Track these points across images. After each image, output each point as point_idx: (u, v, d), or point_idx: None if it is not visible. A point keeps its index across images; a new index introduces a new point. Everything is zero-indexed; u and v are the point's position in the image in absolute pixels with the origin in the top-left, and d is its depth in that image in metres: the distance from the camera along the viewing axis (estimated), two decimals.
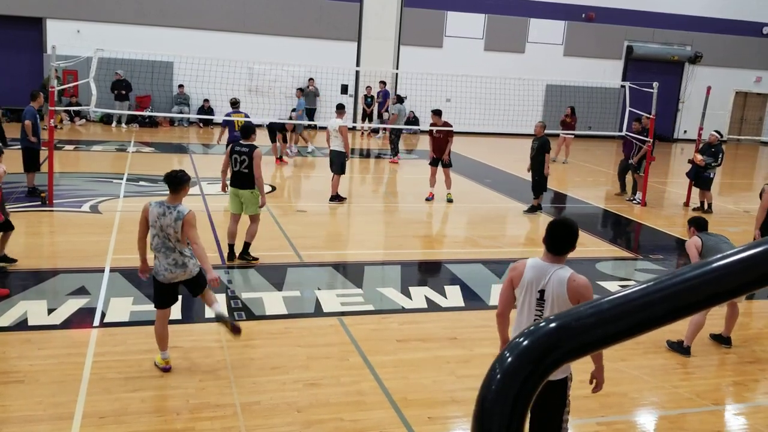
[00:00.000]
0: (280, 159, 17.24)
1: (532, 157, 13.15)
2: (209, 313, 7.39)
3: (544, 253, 4.37)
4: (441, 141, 13.57)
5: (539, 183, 13.14)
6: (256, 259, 9.19)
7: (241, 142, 9.06)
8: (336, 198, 13.18)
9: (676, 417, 5.89)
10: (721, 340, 7.51)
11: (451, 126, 13.66)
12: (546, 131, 13.26)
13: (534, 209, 13.27)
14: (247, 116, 14.55)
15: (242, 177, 8.92)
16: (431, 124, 13.75)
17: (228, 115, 14.60)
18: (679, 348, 7.10)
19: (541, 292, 4.27)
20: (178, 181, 6.01)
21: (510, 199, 14.49)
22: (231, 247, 9.16)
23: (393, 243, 11.10)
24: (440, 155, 13.61)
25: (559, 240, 4.31)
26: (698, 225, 7.19)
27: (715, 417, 6.02)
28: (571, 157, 21.13)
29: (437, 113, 13.51)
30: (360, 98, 24.56)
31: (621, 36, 28.15)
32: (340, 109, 13.46)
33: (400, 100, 21.19)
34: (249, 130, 9.09)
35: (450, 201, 13.68)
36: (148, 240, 6.10)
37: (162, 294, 6.07)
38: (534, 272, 4.30)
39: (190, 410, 5.43)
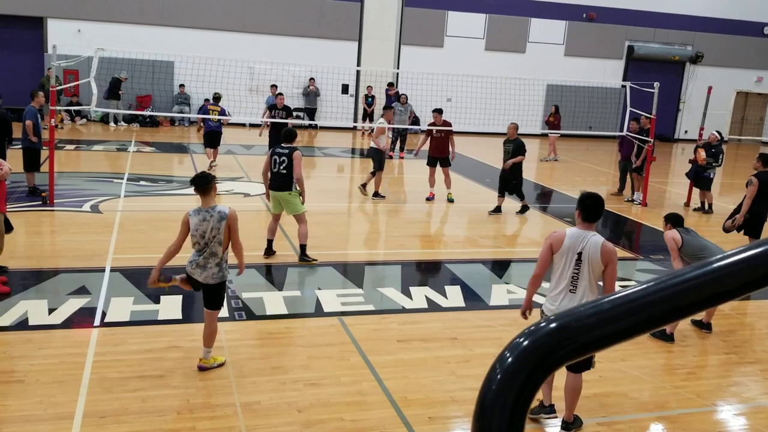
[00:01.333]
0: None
1: (505, 161, 12.84)
2: None
3: (578, 223, 5.28)
4: (442, 140, 13.54)
5: (517, 186, 12.96)
6: (315, 260, 9.22)
7: (282, 144, 9.18)
8: (376, 195, 13.60)
9: (676, 417, 5.89)
10: (701, 325, 7.76)
11: (451, 125, 13.65)
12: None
13: (526, 208, 13.14)
14: (222, 111, 15.64)
15: (280, 178, 8.97)
16: (431, 123, 13.72)
17: (204, 108, 16.32)
18: (663, 336, 7.32)
19: (579, 254, 5.14)
20: (205, 181, 5.99)
21: (510, 199, 14.48)
22: (269, 242, 9.30)
23: (393, 243, 11.10)
24: (439, 155, 13.58)
25: (591, 209, 5.22)
26: (674, 221, 7.43)
27: (715, 417, 6.02)
28: (572, 156, 21.13)
29: (439, 112, 13.48)
30: (361, 98, 24.55)
31: (622, 36, 28.15)
32: (387, 109, 14.03)
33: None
34: (292, 134, 9.24)
35: (451, 201, 13.67)
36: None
37: (189, 278, 6.15)
38: (573, 239, 5.18)
39: (190, 410, 5.43)
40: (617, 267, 5.23)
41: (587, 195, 5.28)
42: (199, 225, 5.92)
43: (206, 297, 6.10)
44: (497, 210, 13.04)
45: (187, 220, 5.98)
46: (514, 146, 12.72)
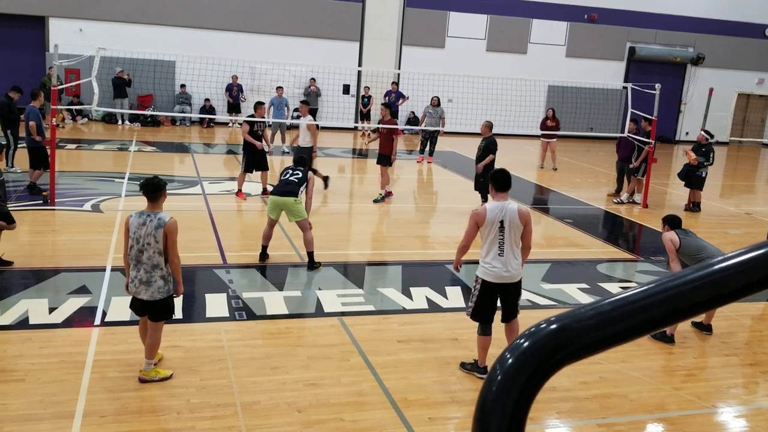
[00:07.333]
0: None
1: (478, 157, 12.71)
2: (210, 312, 7.41)
3: (493, 195, 6.14)
4: (383, 137, 13.46)
5: (484, 183, 12.45)
6: (320, 263, 9.14)
7: (298, 166, 9.44)
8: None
9: (676, 419, 5.89)
10: (702, 327, 7.79)
11: (396, 124, 13.67)
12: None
13: None
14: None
15: (289, 185, 8.98)
16: (380, 120, 13.70)
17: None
18: (663, 337, 7.35)
19: (501, 222, 5.97)
20: (155, 188, 5.75)
21: (510, 199, 14.47)
22: (264, 248, 9.24)
23: (394, 243, 11.10)
24: (381, 152, 13.35)
25: (502, 181, 6.08)
26: (672, 223, 7.51)
27: (715, 419, 6.02)
28: (573, 157, 21.07)
29: (387, 107, 13.59)
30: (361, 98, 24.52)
31: (623, 37, 28.13)
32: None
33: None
34: (303, 160, 9.65)
35: (377, 201, 13.47)
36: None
37: (132, 303, 5.96)
38: (494, 212, 5.98)
39: (190, 409, 5.43)
40: (532, 225, 6.18)
41: (499, 171, 6.19)
42: (137, 229, 5.65)
43: (152, 311, 5.79)
44: None
45: (128, 223, 5.74)
46: (485, 143, 12.57)
